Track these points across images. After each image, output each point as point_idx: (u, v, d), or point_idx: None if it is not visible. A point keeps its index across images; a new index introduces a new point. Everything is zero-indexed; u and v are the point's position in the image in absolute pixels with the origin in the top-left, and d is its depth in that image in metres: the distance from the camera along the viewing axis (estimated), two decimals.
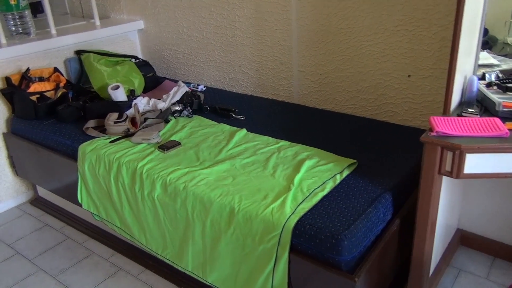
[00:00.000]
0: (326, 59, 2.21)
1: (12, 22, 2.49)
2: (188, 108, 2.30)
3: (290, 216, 1.44)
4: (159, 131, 2.10)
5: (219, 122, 2.20)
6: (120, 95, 2.33)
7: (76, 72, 2.67)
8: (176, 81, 2.80)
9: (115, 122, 2.09)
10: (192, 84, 2.72)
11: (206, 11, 2.58)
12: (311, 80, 2.32)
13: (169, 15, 2.78)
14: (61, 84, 2.42)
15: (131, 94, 2.45)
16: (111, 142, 2.04)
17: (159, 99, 2.41)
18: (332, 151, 1.84)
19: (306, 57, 2.28)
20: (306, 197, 1.52)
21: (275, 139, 1.98)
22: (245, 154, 1.86)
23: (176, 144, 1.97)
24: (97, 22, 2.88)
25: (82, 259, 2.12)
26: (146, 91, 2.66)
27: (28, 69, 2.39)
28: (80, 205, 2.11)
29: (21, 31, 2.52)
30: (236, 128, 2.11)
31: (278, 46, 2.37)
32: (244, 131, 2.07)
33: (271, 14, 2.32)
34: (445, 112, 1.46)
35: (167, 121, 2.24)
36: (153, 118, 2.22)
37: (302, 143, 1.93)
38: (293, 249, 1.41)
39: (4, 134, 2.45)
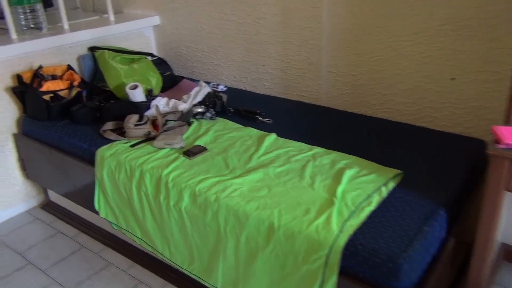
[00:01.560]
0: (360, 60, 2.08)
1: (23, 17, 2.35)
2: (211, 110, 2.17)
3: (338, 234, 1.31)
4: (182, 135, 1.97)
5: (244, 126, 2.07)
6: (138, 95, 2.19)
7: (90, 69, 2.53)
8: (194, 80, 2.67)
9: (135, 125, 1.95)
10: (211, 84, 2.58)
11: (228, 7, 2.44)
12: (341, 81, 2.19)
13: (188, 11, 2.64)
14: (75, 83, 2.28)
15: (149, 94, 2.31)
16: (131, 146, 1.91)
17: (179, 100, 2.28)
18: (371, 159, 1.71)
19: (337, 57, 2.15)
20: (353, 213, 1.39)
21: (308, 145, 1.85)
22: (278, 162, 1.73)
23: (202, 149, 1.83)
24: (111, 17, 2.74)
25: (99, 270, 1.99)
26: (163, 90, 2.52)
27: (40, 67, 2.25)
28: (97, 213, 1.98)
29: (32, 26, 2.38)
30: (264, 132, 1.97)
31: (306, 45, 2.23)
32: (273, 135, 1.93)
33: (299, 11, 2.18)
34: (508, 121, 1.33)
35: (189, 124, 2.10)
36: (175, 121, 2.09)
37: (336, 149, 1.80)
38: (341, 272, 1.28)
39: (14, 135, 2.32)
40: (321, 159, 1.74)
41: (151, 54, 2.65)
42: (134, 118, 1.99)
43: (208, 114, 2.15)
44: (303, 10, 2.16)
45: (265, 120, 2.12)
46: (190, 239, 1.65)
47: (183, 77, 2.70)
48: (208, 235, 1.58)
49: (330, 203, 1.45)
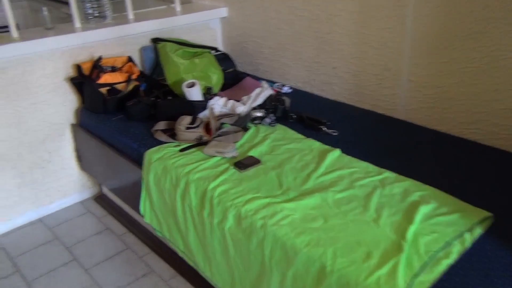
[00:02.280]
0: (449, 70, 1.76)
1: (88, 5, 2.29)
2: (271, 115, 1.97)
3: None
4: (236, 142, 1.79)
5: (306, 136, 1.85)
6: (195, 94, 2.05)
7: (151, 62, 2.43)
8: (257, 79, 2.48)
9: (187, 128, 1.81)
10: (276, 84, 2.38)
11: (299, 2, 2.21)
12: (423, 93, 1.88)
13: (257, 3, 2.44)
14: (134, 76, 2.19)
15: (208, 92, 2.16)
16: (181, 150, 1.77)
17: (238, 101, 2.10)
18: (453, 193, 1.42)
19: (421, 65, 1.85)
20: (426, 265, 1.14)
21: (376, 168, 1.59)
22: (339, 186, 1.50)
23: (255, 162, 1.65)
24: (178, 8, 2.61)
25: (140, 276, 1.89)
26: (224, 88, 2.36)
27: (100, 58, 2.18)
28: (142, 216, 1.88)
29: (97, 14, 2.32)
30: (327, 147, 1.74)
31: (385, 49, 1.95)
32: (337, 152, 1.70)
33: (380, 9, 1.90)
34: None
35: (245, 129, 1.92)
36: (230, 124, 1.92)
37: (411, 176, 1.53)
38: None
39: (72, 125, 2.28)
40: (391, 187, 1.48)
41: (215, 49, 2.50)
42: (186, 120, 1.84)
43: (267, 120, 1.95)
44: (385, 8, 1.88)
45: (329, 131, 1.88)
46: (232, 263, 1.47)
47: (246, 74, 2.53)
48: (252, 263, 1.39)
49: (397, 247, 1.20)
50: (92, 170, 2.29)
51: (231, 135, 1.83)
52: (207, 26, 2.68)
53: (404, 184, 1.49)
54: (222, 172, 1.60)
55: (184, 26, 2.56)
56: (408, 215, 1.32)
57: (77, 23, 2.23)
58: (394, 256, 1.16)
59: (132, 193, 1.95)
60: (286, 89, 2.34)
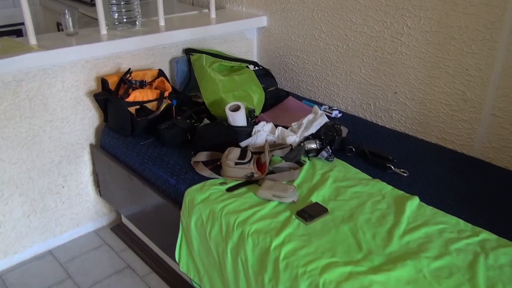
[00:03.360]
0: None
1: (116, 8, 2.00)
2: (328, 147, 1.69)
3: None
4: (293, 181, 1.52)
5: (372, 176, 1.58)
6: (240, 119, 1.77)
7: (183, 75, 2.15)
8: (299, 98, 2.21)
9: (236, 163, 1.53)
10: (323, 107, 2.10)
11: (359, 15, 1.94)
12: (510, 130, 1.62)
13: (304, 14, 2.17)
14: (166, 93, 1.90)
15: (250, 116, 1.88)
16: (228, 190, 1.49)
17: (286, 127, 1.83)
18: None
19: (511, 97, 1.58)
20: None
21: (469, 225, 1.32)
22: (432, 250, 1.22)
23: (321, 210, 1.37)
24: (213, 14, 2.33)
25: None
26: (264, 109, 2.08)
27: (129, 72, 1.89)
28: (176, 262, 1.60)
29: (125, 20, 2.03)
30: (402, 192, 1.47)
31: (464, 76, 1.68)
32: (416, 200, 1.43)
33: (464, 31, 1.63)
34: None
35: (299, 163, 1.65)
36: (281, 157, 1.65)
37: (510, 235, 1.27)
38: None
39: (91, 146, 2.00)
40: (495, 254, 1.21)
41: (254, 63, 2.22)
42: (235, 153, 1.56)
43: (324, 154, 1.68)
44: (470, 30, 1.61)
45: (398, 170, 1.61)
46: None
47: (288, 93, 2.25)
48: None
49: None
50: (111, 197, 2.00)
51: (286, 173, 1.56)
52: (243, 36, 2.40)
53: (511, 251, 1.22)
54: (284, 224, 1.32)
55: (218, 35, 2.28)
56: None
57: (103, 30, 1.94)
58: None
59: (164, 234, 1.68)
60: (335, 113, 2.06)
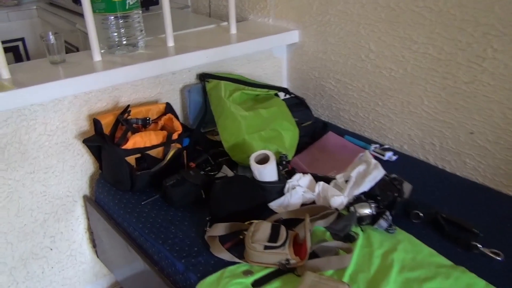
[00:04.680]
0: None
1: (114, 28, 1.61)
2: (387, 214, 1.26)
3: None
4: (343, 269, 1.10)
5: (451, 259, 1.14)
6: (269, 174, 1.36)
7: (197, 108, 1.75)
8: (339, 131, 1.80)
9: (266, 247, 1.12)
10: (373, 147, 1.67)
11: (421, 32, 1.49)
12: None
13: (347, 29, 1.73)
14: (174, 135, 1.50)
15: (281, 163, 1.47)
16: (255, 285, 1.08)
17: (329, 179, 1.41)
18: None
19: None
20: None
21: None
22: None
23: None
24: (233, 29, 1.92)
25: None
26: (298, 149, 1.66)
27: (128, 109, 1.50)
28: None
29: (125, 42, 1.64)
30: None
31: None
32: None
33: None
34: None
35: (349, 238, 1.23)
36: (328, 230, 1.23)
37: None
38: None
39: (85, 197, 1.62)
40: None
41: (285, 90, 1.80)
42: (263, 231, 1.14)
43: (383, 224, 1.25)
44: None
45: (487, 251, 1.16)
46: None
47: (325, 124, 1.83)
48: None
49: None
50: (109, 263, 1.62)
51: (334, 258, 1.14)
52: (269, 54, 1.98)
53: None
54: None
55: (239, 56, 1.87)
56: None
57: (97, 55, 1.55)
58: None
59: None
60: (389, 156, 1.62)
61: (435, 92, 1.52)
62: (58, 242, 1.61)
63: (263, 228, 1.15)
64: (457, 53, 1.42)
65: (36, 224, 1.53)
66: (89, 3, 1.47)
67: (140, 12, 1.65)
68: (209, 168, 1.55)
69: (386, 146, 1.69)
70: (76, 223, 1.64)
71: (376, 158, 1.55)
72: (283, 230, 1.15)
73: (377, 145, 1.68)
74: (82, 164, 1.58)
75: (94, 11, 1.50)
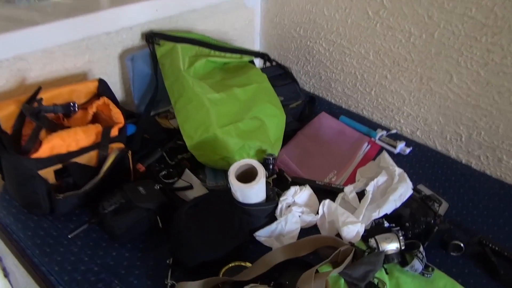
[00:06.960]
0: None
1: None
2: (421, 251, 0.91)
3: None
4: None
5: None
6: (257, 194, 0.94)
7: (144, 82, 1.26)
8: (332, 107, 1.41)
9: None
10: (379, 134, 1.28)
11: None
12: None
13: None
14: (114, 131, 1.03)
15: (266, 166, 1.06)
16: None
17: (334, 193, 1.03)
18: None
19: None
20: None
21: None
22: None
23: None
24: None
25: None
26: (284, 140, 1.25)
27: (38, 93, 0.99)
28: None
29: None
30: None
31: None
32: None
33: None
34: None
35: (371, 287, 0.87)
36: (343, 277, 0.86)
37: None
38: None
39: None
40: None
41: (264, 56, 1.35)
42: None
43: (417, 266, 0.89)
44: None
45: None
46: None
47: (312, 99, 1.42)
48: None
49: None
50: None
51: None
52: (239, 4, 1.49)
53: None
54: None
55: (201, 7, 1.37)
56: None
57: None
58: None
59: None
60: (401, 148, 1.25)
61: (472, 68, 1.14)
62: None
63: None
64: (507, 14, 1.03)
65: None
66: None
67: None
68: (165, 172, 1.11)
69: (393, 132, 1.32)
70: None
71: (385, 150, 1.18)
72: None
73: (384, 132, 1.30)
74: None
75: None
